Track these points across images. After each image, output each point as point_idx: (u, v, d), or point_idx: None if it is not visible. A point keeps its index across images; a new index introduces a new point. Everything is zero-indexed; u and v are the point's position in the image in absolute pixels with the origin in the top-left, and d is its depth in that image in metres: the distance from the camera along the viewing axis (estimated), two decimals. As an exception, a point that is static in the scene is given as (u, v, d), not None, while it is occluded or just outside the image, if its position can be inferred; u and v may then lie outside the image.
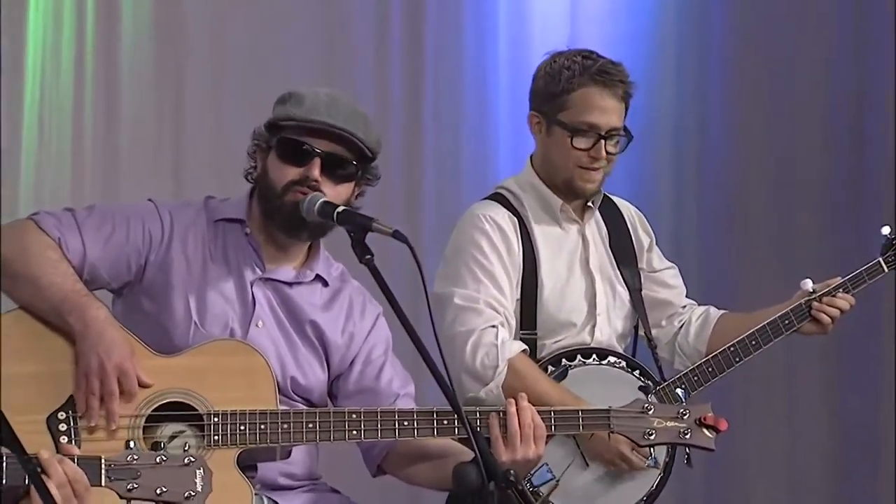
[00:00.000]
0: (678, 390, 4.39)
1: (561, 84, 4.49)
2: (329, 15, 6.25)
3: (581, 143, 4.50)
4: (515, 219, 4.58)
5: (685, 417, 3.99)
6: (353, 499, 4.16)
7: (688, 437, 4.02)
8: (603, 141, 4.50)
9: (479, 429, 3.90)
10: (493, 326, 4.45)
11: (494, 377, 4.41)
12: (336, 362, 4.10)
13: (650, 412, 3.99)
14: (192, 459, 3.34)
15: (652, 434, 3.99)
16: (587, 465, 4.54)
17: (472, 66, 6.46)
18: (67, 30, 5.77)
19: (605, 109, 4.49)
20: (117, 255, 3.96)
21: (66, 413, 3.80)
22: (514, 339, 4.54)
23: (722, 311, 4.82)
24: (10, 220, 4.06)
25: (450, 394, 3.70)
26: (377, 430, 3.91)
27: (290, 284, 4.06)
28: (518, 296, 4.55)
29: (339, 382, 4.12)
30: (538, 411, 3.98)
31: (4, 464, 3.22)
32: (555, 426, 4.01)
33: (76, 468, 3.25)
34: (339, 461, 4.29)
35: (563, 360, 4.56)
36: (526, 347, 4.50)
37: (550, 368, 4.54)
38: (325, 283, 4.11)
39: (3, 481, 3.22)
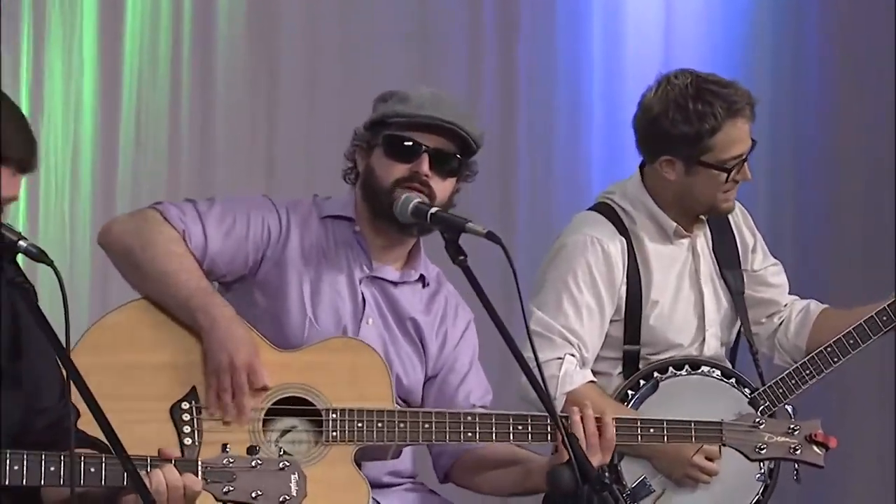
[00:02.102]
0: (787, 407, 4.32)
1: (707, 127, 4.41)
2: (422, 16, 6.26)
3: (734, 175, 4.47)
4: (624, 240, 4.52)
5: (796, 433, 3.96)
6: (449, 499, 4.17)
7: (798, 452, 3.99)
8: (745, 163, 4.49)
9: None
10: (559, 358, 4.42)
11: None
12: (430, 364, 4.12)
13: (762, 426, 3.97)
14: (288, 464, 3.37)
15: (763, 448, 3.97)
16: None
17: (566, 68, 6.43)
18: (164, 30, 5.82)
19: (746, 136, 4.48)
20: (237, 249, 4.00)
21: (190, 403, 3.86)
22: (617, 351, 4.52)
23: (823, 307, 4.76)
24: (107, 220, 4.10)
25: (543, 394, 3.70)
26: (492, 432, 3.93)
27: (394, 284, 4.09)
28: (622, 316, 4.51)
29: (424, 385, 4.14)
30: (635, 419, 3.99)
31: (104, 464, 3.25)
32: (667, 437, 4.00)
33: (175, 473, 3.28)
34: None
35: (655, 373, 4.52)
36: (593, 380, 4.44)
37: (642, 382, 4.50)
38: (426, 283, 4.14)
39: (104, 482, 3.25)
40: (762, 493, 4.53)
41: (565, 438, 3.51)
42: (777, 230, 6.50)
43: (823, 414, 4.22)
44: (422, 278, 4.12)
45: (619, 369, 4.53)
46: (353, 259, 4.06)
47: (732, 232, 4.70)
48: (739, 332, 4.70)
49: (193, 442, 3.83)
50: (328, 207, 4.10)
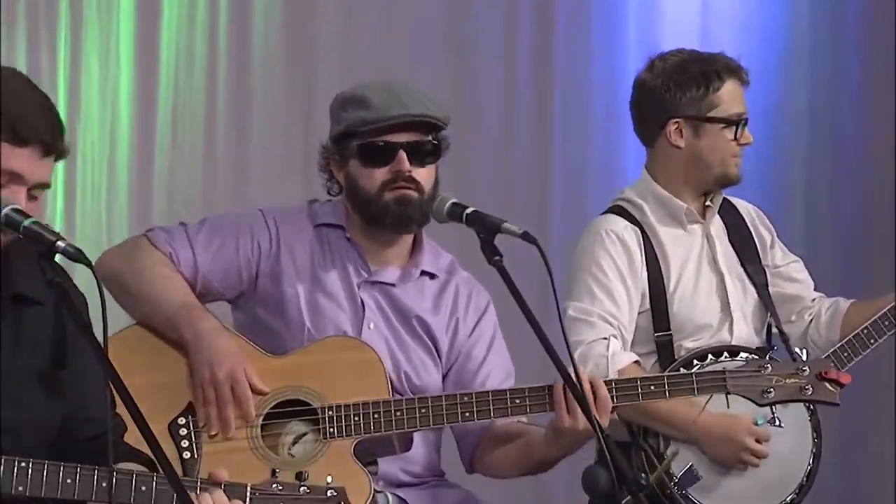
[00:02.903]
0: (797, 349, 4.24)
1: (713, 86, 4.55)
2: (457, 17, 6.26)
3: (736, 134, 4.57)
4: (637, 230, 4.58)
5: (805, 373, 3.91)
6: (482, 499, 4.16)
7: (809, 392, 3.95)
8: (745, 125, 4.61)
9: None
10: (605, 338, 4.44)
11: None
12: (444, 359, 4.13)
13: (767, 370, 3.92)
14: (335, 493, 3.37)
15: (770, 392, 3.93)
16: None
17: (601, 65, 6.43)
18: (200, 29, 5.84)
19: (743, 99, 4.60)
20: (227, 267, 4.03)
21: (186, 418, 3.89)
22: (649, 344, 4.53)
23: (851, 301, 4.76)
24: (143, 220, 4.13)
25: (578, 394, 3.71)
26: (489, 409, 3.93)
27: (394, 285, 4.10)
28: (648, 304, 4.54)
29: (444, 380, 4.14)
30: (637, 378, 3.99)
31: (155, 483, 3.27)
32: (668, 392, 3.98)
33: (223, 498, 3.29)
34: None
35: (695, 360, 4.52)
36: (638, 359, 4.48)
37: (683, 370, 4.51)
38: (433, 276, 4.14)
39: (154, 501, 3.27)
40: (807, 476, 4.52)
41: (602, 439, 3.51)
42: (813, 231, 6.48)
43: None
44: (426, 273, 4.12)
45: (654, 360, 4.54)
46: (350, 265, 4.08)
47: (748, 227, 4.73)
48: (770, 327, 4.71)
49: (193, 455, 3.86)
50: (321, 215, 4.11)
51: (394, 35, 6.13)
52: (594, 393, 3.88)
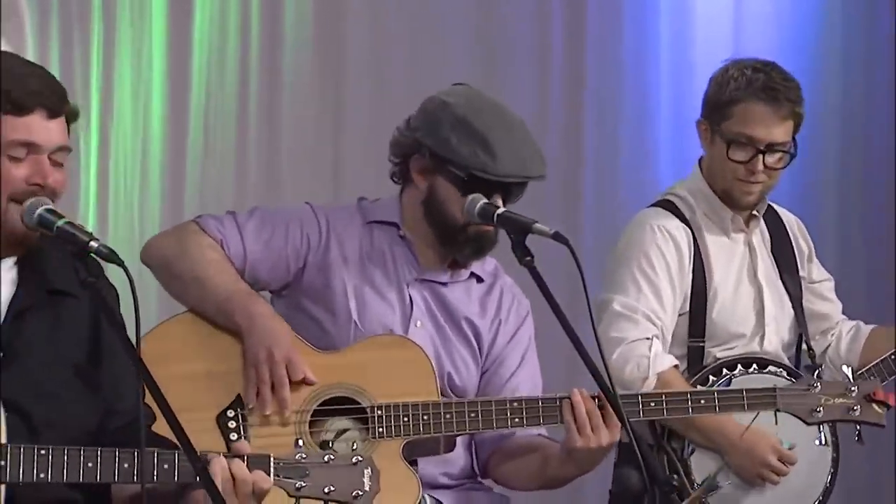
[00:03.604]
0: (843, 367, 4.25)
1: (727, 94, 4.47)
2: (489, 16, 6.27)
3: (738, 155, 4.47)
4: (689, 230, 4.54)
5: (853, 394, 3.91)
6: (514, 501, 4.16)
7: (857, 413, 3.94)
8: (761, 155, 4.46)
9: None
10: (648, 339, 4.42)
11: (642, 388, 4.36)
12: (484, 359, 4.13)
13: (817, 389, 3.92)
14: (361, 459, 3.36)
15: (819, 411, 3.93)
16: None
17: (633, 66, 6.42)
18: (232, 34, 5.85)
19: (767, 125, 4.45)
20: (277, 257, 4.02)
21: (235, 411, 3.88)
22: (681, 348, 4.52)
23: (872, 326, 4.74)
24: (176, 224, 4.14)
25: (610, 396, 3.70)
26: (539, 416, 3.93)
27: (445, 284, 4.10)
28: (688, 308, 4.52)
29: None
30: (688, 392, 4.00)
31: (177, 460, 3.27)
32: (718, 406, 3.98)
33: (244, 470, 3.29)
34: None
35: (724, 369, 4.51)
36: (677, 362, 4.46)
37: (712, 378, 4.49)
38: (480, 279, 4.14)
39: (176, 478, 3.28)
40: (823, 494, 4.51)
41: (633, 440, 3.50)
42: (845, 246, 6.45)
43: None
44: (472, 275, 4.13)
45: (684, 365, 4.52)
46: (400, 262, 4.08)
47: (789, 238, 4.70)
48: (800, 342, 4.69)
49: None
50: (373, 212, 4.11)
51: (424, 39, 6.14)
52: (601, 407, 3.87)
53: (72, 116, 3.37)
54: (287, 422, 3.87)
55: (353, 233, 4.07)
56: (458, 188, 3.97)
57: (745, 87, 4.45)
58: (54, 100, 3.32)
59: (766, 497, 4.45)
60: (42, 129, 3.30)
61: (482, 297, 4.14)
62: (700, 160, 4.63)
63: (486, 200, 3.93)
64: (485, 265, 4.16)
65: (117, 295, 3.39)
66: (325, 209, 4.10)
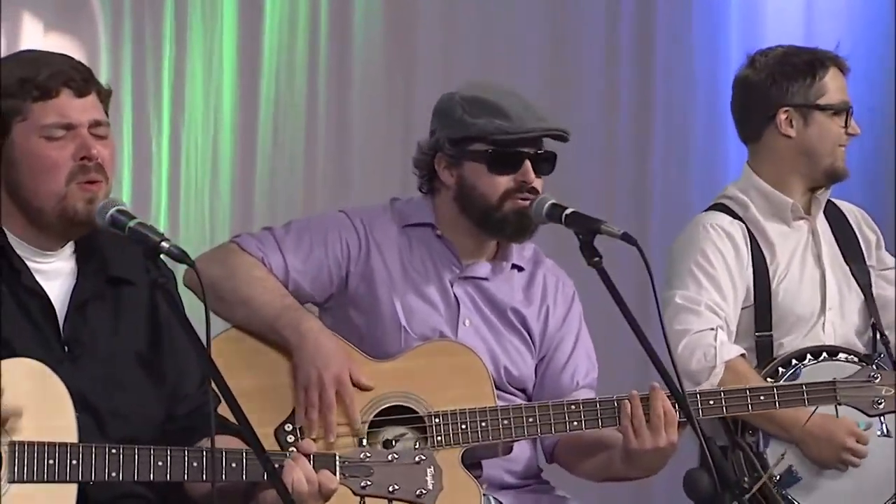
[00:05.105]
0: None
1: (815, 72, 4.56)
2: (559, 13, 6.26)
3: (838, 122, 4.58)
4: (742, 224, 4.57)
5: None
6: (575, 500, 4.16)
7: None
8: (850, 116, 4.62)
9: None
10: (712, 329, 4.42)
11: (709, 378, 4.37)
12: (537, 348, 4.13)
13: (877, 381, 3.90)
14: (424, 458, 3.37)
15: (881, 402, 3.91)
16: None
17: (703, 64, 6.39)
18: (301, 33, 5.88)
19: (846, 88, 4.62)
20: (318, 269, 4.04)
21: (292, 424, 3.91)
22: (748, 341, 4.50)
23: None
24: (246, 220, 4.17)
25: (680, 397, 3.70)
26: (598, 419, 3.93)
27: (486, 279, 4.10)
28: (752, 300, 4.52)
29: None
30: (747, 388, 3.98)
31: (245, 459, 3.29)
32: (778, 402, 3.96)
33: (310, 469, 3.31)
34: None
35: (794, 360, 4.49)
36: (744, 352, 4.45)
37: (781, 370, 4.47)
38: (521, 269, 4.15)
39: (244, 477, 3.30)
40: None
41: (703, 443, 3.49)
42: None
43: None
44: (514, 266, 4.13)
45: (753, 358, 4.50)
46: (441, 263, 4.09)
47: (852, 228, 4.71)
48: (875, 329, 4.66)
49: None
50: (408, 214, 4.12)
51: (494, 38, 6.13)
52: (655, 409, 3.85)
53: (104, 94, 3.40)
54: (330, 445, 3.86)
55: (391, 238, 4.09)
56: (485, 163, 4.00)
57: (829, 61, 4.57)
58: (78, 78, 3.35)
59: (846, 483, 4.43)
60: (73, 107, 3.33)
61: (525, 285, 4.15)
62: (748, 162, 4.66)
63: (552, 201, 3.93)
64: (524, 251, 4.16)
65: (181, 299, 3.42)
66: (361, 214, 4.11)
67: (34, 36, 5.27)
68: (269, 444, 3.84)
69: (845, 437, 4.38)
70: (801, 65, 4.57)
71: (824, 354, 4.51)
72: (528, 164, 3.99)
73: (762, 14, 6.45)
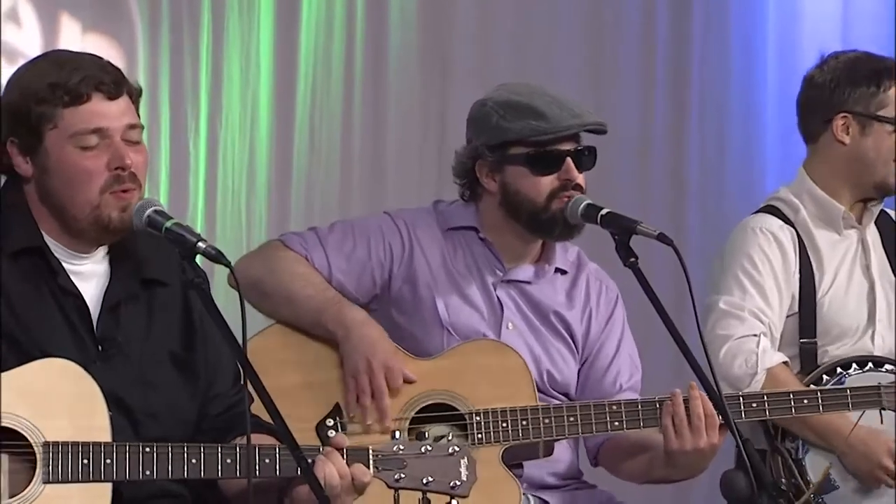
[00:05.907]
0: None
1: (880, 82, 4.51)
2: (596, 14, 6.25)
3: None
4: (792, 230, 4.53)
5: None
6: (621, 499, 4.16)
7: None
8: None
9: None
10: (755, 335, 4.40)
11: (751, 384, 4.34)
12: (580, 352, 4.14)
13: None
14: (457, 449, 3.36)
15: None
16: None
17: (739, 66, 6.37)
18: (337, 35, 5.89)
19: None
20: (361, 270, 4.05)
21: (334, 420, 3.92)
22: (793, 348, 4.48)
23: None
24: (282, 221, 4.18)
25: (717, 399, 3.68)
26: (639, 419, 3.92)
27: (530, 283, 4.11)
28: (797, 308, 4.50)
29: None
30: (790, 392, 3.97)
31: (278, 455, 3.30)
32: (822, 405, 3.95)
33: (342, 463, 3.31)
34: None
35: (839, 368, 4.47)
36: (787, 360, 4.43)
37: (825, 378, 4.45)
38: (564, 272, 4.15)
39: (278, 472, 3.30)
40: None
41: (739, 444, 3.48)
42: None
43: None
44: (558, 270, 4.13)
45: (797, 366, 4.48)
46: (485, 266, 4.09)
47: None
48: None
49: None
50: (451, 218, 4.12)
51: (530, 37, 6.13)
52: (696, 410, 3.84)
53: (135, 94, 3.38)
54: (387, 430, 3.88)
55: (434, 240, 4.10)
56: (527, 166, 4.01)
57: (886, 72, 4.50)
58: (108, 80, 3.33)
59: (882, 501, 4.41)
60: (105, 111, 3.32)
61: (568, 289, 4.15)
62: (804, 165, 4.61)
63: (588, 201, 3.92)
64: (567, 254, 4.17)
65: (208, 284, 3.42)
66: (404, 216, 4.12)
67: (72, 37, 5.29)
68: (311, 438, 3.84)
69: (883, 456, 4.35)
70: (868, 73, 4.52)
71: (870, 364, 4.48)
72: (569, 161, 3.99)
73: (799, 12, 6.42)
